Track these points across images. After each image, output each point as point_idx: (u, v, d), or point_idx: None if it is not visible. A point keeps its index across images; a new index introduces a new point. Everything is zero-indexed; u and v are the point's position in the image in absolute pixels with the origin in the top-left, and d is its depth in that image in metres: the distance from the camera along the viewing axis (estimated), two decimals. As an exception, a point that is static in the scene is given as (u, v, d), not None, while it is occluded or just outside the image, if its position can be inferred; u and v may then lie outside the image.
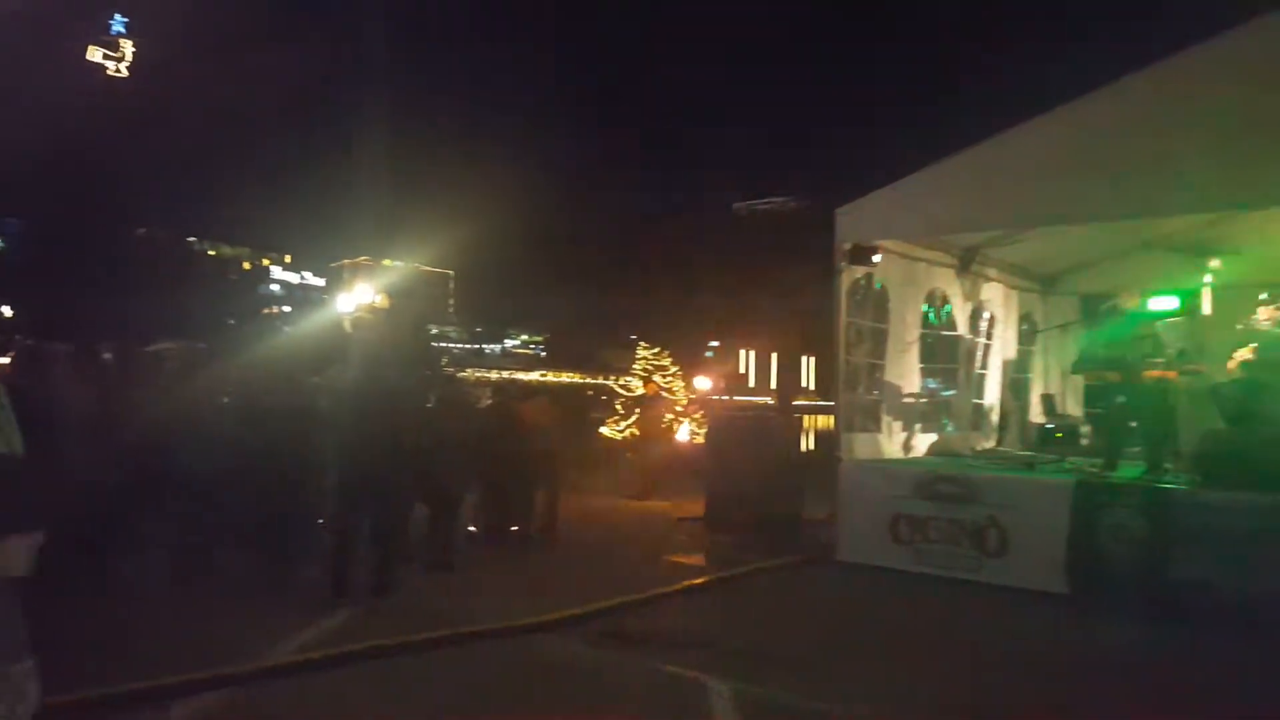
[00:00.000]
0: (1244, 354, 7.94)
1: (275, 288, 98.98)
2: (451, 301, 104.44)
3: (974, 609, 6.69)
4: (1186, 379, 8.24)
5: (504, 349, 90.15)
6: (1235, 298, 8.78)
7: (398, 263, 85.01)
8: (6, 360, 5.34)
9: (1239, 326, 8.35)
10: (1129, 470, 8.16)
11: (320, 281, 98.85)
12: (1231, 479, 6.96)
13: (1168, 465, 7.96)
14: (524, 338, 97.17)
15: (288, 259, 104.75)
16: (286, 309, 75.81)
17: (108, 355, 7.07)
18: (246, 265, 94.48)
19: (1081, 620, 6.66)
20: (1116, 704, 4.94)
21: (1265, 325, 8.15)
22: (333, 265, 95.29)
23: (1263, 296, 8.33)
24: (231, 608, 6.04)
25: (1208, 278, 9.39)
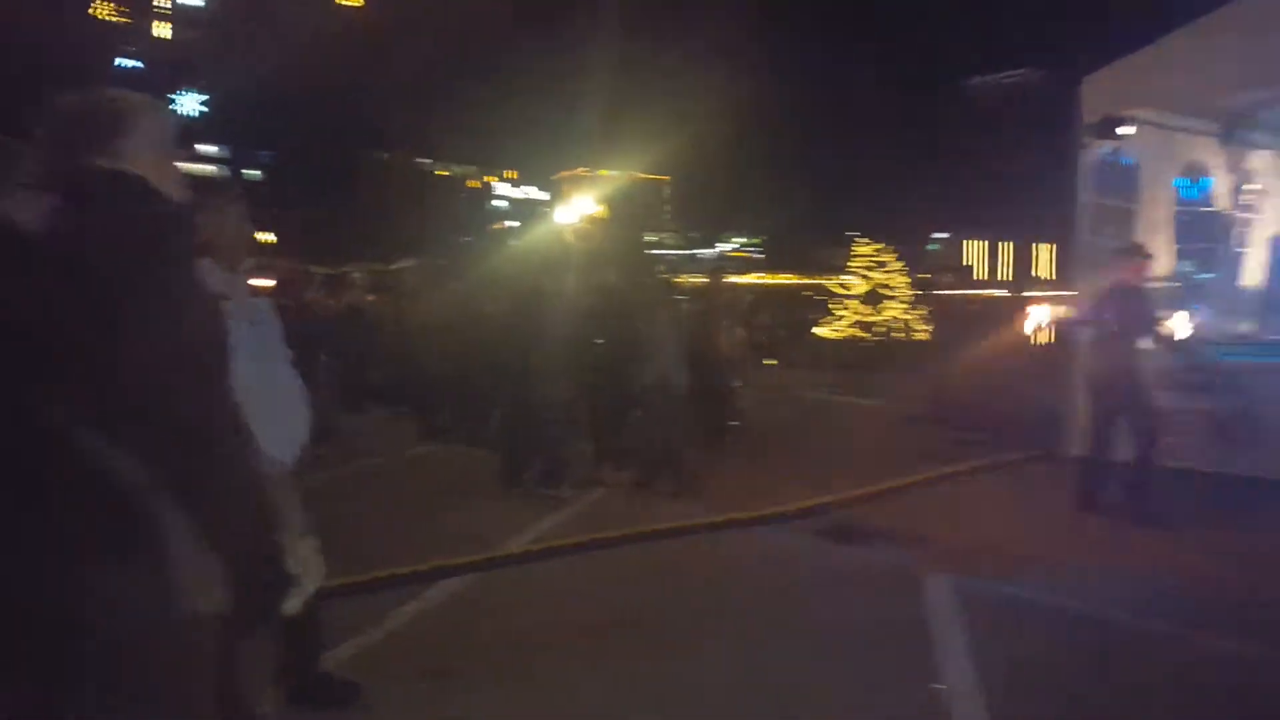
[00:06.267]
0: None
1: (502, 203, 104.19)
2: (667, 208, 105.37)
3: (1220, 503, 6.12)
4: None
5: (720, 253, 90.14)
6: None
7: (614, 172, 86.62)
8: (272, 282, 6.08)
9: None
10: None
11: (543, 195, 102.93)
12: None
13: None
14: (740, 241, 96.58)
15: (513, 175, 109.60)
16: (513, 223, 79.79)
17: (356, 275, 7.85)
18: (474, 183, 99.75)
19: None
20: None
21: None
22: (554, 178, 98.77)
23: None
24: (474, 502, 6.66)
25: None
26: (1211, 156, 9.25)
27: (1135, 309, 6.34)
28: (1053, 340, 13.22)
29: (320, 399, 4.40)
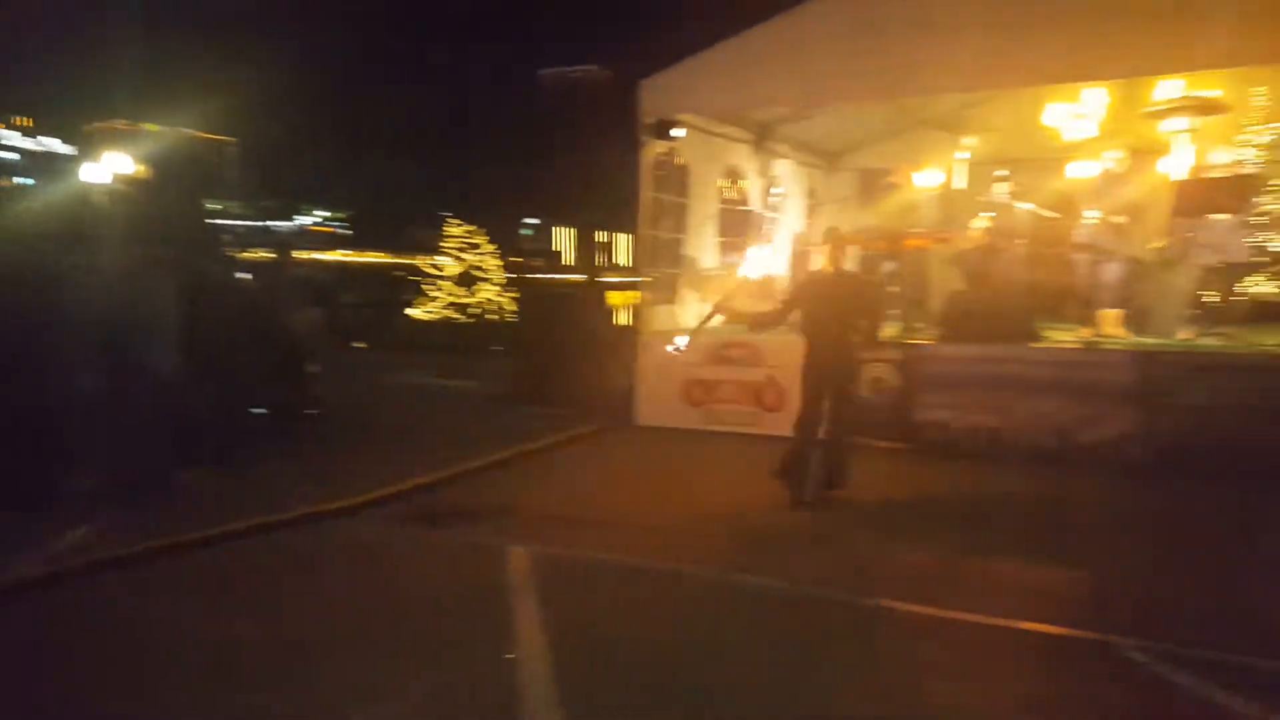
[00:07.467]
0: (981, 222, 9.12)
1: (12, 155, 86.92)
2: (233, 173, 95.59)
3: (750, 456, 7.00)
4: (939, 246, 9.38)
5: (300, 227, 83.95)
6: (987, 173, 9.66)
7: (163, 127, 76.27)
8: None
9: (980, 199, 9.37)
10: (890, 329, 9.01)
11: (69, 149, 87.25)
12: (967, 333, 8.05)
13: (919, 324, 8.95)
14: (324, 215, 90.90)
15: (27, 123, 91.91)
16: (26, 181, 66.54)
17: None
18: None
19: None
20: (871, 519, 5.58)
21: (1002, 198, 9.22)
22: (84, 130, 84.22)
23: (998, 173, 9.37)
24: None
25: (964, 154, 10.16)
26: (746, 161, 10.74)
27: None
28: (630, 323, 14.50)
29: None
